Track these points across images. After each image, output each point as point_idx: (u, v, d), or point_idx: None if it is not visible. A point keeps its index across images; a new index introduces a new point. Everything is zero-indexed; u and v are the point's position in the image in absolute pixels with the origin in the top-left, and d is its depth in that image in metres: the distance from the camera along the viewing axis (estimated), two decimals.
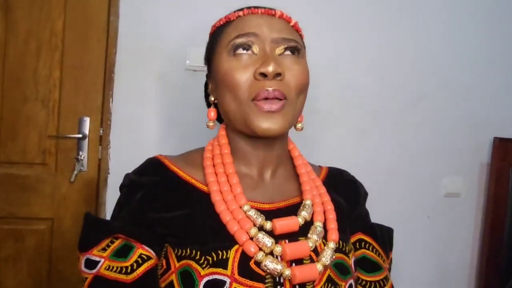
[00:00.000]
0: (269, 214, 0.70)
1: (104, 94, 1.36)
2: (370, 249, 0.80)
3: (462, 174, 1.64)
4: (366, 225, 0.84)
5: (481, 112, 1.65)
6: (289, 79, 0.70)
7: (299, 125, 0.80)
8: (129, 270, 0.65)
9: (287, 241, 0.68)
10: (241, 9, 0.75)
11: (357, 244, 0.81)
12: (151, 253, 0.67)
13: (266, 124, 0.68)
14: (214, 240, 0.67)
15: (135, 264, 0.65)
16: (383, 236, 0.83)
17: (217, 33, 0.76)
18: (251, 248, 0.66)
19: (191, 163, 0.77)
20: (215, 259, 0.65)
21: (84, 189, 1.37)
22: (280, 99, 0.69)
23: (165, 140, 1.39)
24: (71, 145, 1.36)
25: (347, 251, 0.75)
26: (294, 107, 0.71)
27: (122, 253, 0.66)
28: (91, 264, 0.66)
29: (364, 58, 1.53)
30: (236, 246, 0.66)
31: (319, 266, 0.67)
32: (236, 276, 0.64)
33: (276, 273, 0.65)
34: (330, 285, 0.69)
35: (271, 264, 0.65)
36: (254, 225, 0.68)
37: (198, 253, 0.66)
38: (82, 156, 1.36)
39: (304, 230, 0.70)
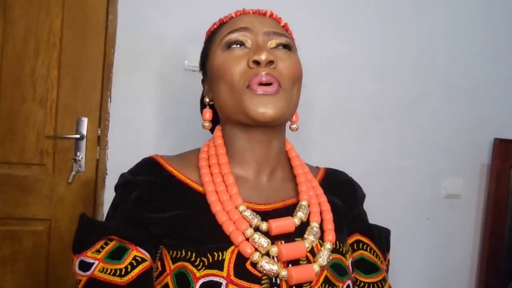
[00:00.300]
0: (265, 215, 0.70)
1: (102, 94, 1.35)
2: (368, 250, 0.80)
3: (462, 175, 1.63)
4: (363, 226, 0.83)
5: (482, 113, 1.65)
6: (282, 69, 0.71)
7: (294, 126, 0.80)
8: (123, 273, 0.64)
9: (283, 241, 0.68)
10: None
11: (355, 245, 0.80)
12: (146, 255, 0.67)
13: (262, 108, 0.68)
14: (210, 241, 0.66)
15: (129, 267, 0.65)
16: (381, 237, 0.82)
17: (211, 37, 0.79)
18: (247, 249, 0.65)
19: (186, 163, 0.76)
20: (210, 260, 0.64)
21: (82, 190, 1.36)
22: (274, 84, 0.69)
23: (163, 140, 1.38)
24: (69, 146, 1.35)
25: (344, 252, 0.74)
26: (290, 97, 0.72)
27: (117, 255, 0.66)
28: (85, 266, 0.66)
29: (364, 58, 1.53)
30: (232, 247, 0.66)
31: (315, 267, 0.67)
32: (232, 277, 0.64)
33: (272, 274, 0.65)
34: (327, 286, 0.68)
35: (267, 265, 0.64)
36: (250, 225, 0.68)
37: (194, 254, 0.65)
38: (80, 156, 1.35)
39: (301, 230, 0.70)
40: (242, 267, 0.65)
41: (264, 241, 0.66)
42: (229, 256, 0.65)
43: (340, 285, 0.70)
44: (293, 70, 0.73)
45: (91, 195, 1.36)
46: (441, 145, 1.60)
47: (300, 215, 0.71)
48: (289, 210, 0.72)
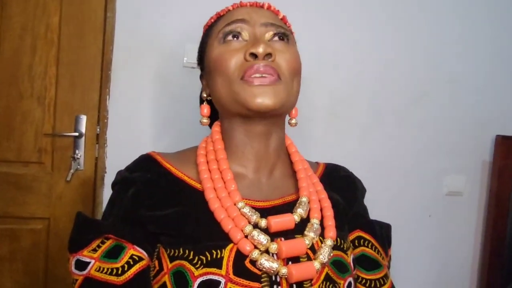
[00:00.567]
0: (264, 212, 0.69)
1: (101, 92, 1.35)
2: (369, 247, 0.78)
3: (464, 173, 1.62)
4: (364, 222, 0.82)
5: (484, 110, 1.64)
6: (280, 62, 0.70)
7: (293, 121, 0.79)
8: (120, 272, 0.63)
9: (282, 239, 0.67)
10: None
11: (356, 241, 0.79)
12: (143, 253, 0.66)
13: (260, 99, 0.66)
14: (208, 239, 0.65)
15: (126, 265, 0.63)
16: (382, 233, 0.81)
17: (208, 30, 0.78)
18: (246, 246, 0.64)
19: (184, 160, 0.75)
20: (209, 258, 0.63)
21: (80, 188, 1.35)
22: (273, 76, 0.68)
23: (162, 138, 1.38)
24: (68, 144, 1.34)
25: (345, 249, 0.73)
26: (290, 88, 0.70)
27: (113, 254, 0.65)
28: (81, 265, 0.65)
29: (366, 55, 1.52)
30: (231, 245, 0.65)
31: (316, 264, 0.65)
32: (231, 275, 0.62)
33: (272, 271, 0.63)
34: (328, 283, 0.67)
35: (267, 263, 0.63)
36: (249, 222, 0.66)
37: (192, 252, 0.64)
38: (79, 154, 1.34)
39: (301, 227, 0.69)
40: (241, 265, 0.63)
41: (263, 238, 0.64)
42: (228, 254, 0.64)
43: (342, 282, 0.69)
44: (292, 62, 0.71)
45: (90, 194, 1.36)
46: (443, 142, 1.59)
47: (300, 211, 0.69)
48: (288, 207, 0.71)
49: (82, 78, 1.34)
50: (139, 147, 1.33)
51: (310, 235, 0.68)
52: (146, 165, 0.73)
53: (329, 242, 0.69)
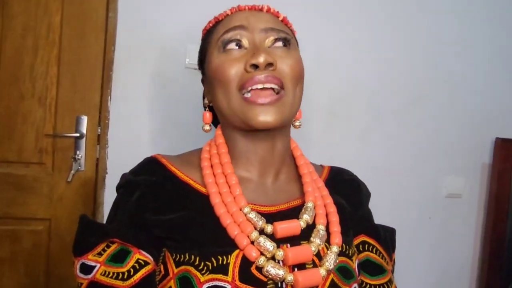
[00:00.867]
0: (270, 217, 0.69)
1: (102, 92, 1.34)
2: (374, 252, 0.78)
3: (463, 175, 1.63)
4: (369, 226, 0.82)
5: (483, 112, 1.64)
6: (283, 69, 0.69)
7: (297, 123, 0.79)
8: (125, 276, 0.63)
9: (288, 245, 0.66)
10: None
11: (360, 246, 0.79)
12: (149, 258, 0.65)
13: (262, 117, 0.66)
14: (213, 244, 0.65)
15: (132, 270, 0.63)
16: (386, 238, 0.81)
17: (207, 35, 0.77)
18: (252, 253, 0.64)
19: (189, 163, 0.75)
20: (215, 264, 0.63)
21: (81, 189, 1.34)
22: (276, 91, 0.67)
23: (164, 139, 1.37)
24: (69, 144, 1.34)
25: (350, 255, 0.73)
26: (292, 99, 0.70)
27: (119, 258, 0.64)
28: (86, 269, 0.64)
29: (365, 56, 1.52)
30: (237, 251, 0.64)
31: (322, 271, 0.65)
32: (237, 282, 0.62)
33: (278, 278, 0.63)
34: None
35: (273, 270, 0.63)
36: (255, 228, 0.66)
37: (197, 258, 0.63)
38: (80, 155, 1.33)
39: (306, 233, 0.68)
40: (247, 271, 0.63)
41: (269, 245, 0.64)
42: (233, 260, 0.63)
43: None
44: (295, 69, 0.70)
45: (91, 195, 1.35)
46: (442, 144, 1.60)
47: (306, 217, 0.69)
48: (294, 212, 0.71)
49: (83, 78, 1.33)
50: (140, 148, 1.34)
51: (316, 241, 0.68)
52: (151, 168, 0.72)
53: (335, 248, 0.69)
